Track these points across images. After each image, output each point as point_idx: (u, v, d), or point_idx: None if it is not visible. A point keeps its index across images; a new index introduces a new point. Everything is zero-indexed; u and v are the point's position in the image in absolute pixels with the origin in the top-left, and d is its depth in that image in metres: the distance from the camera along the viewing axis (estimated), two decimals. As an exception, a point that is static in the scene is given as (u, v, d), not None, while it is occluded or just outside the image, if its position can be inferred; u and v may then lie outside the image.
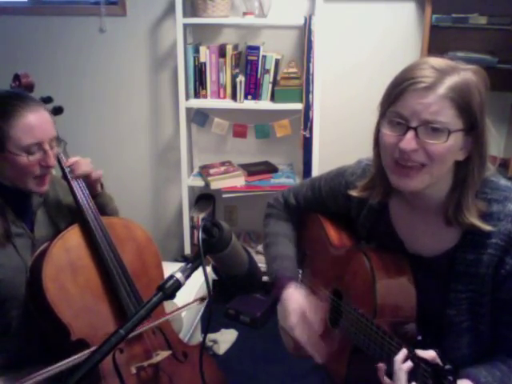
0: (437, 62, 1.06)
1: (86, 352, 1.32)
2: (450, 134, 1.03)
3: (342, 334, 1.28)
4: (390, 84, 1.10)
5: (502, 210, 1.09)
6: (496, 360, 1.11)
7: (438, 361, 0.95)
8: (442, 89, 1.02)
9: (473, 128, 1.05)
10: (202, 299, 1.60)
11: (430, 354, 0.96)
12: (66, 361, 1.29)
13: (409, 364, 0.97)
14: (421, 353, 0.97)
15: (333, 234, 1.42)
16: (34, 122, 1.38)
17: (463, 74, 1.05)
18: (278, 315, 1.47)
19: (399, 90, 1.05)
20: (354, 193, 1.27)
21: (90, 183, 1.62)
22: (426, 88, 1.02)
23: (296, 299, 1.38)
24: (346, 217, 1.39)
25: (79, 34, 2.95)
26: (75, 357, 1.31)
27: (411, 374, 0.97)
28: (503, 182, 1.15)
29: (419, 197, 1.16)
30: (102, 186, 1.68)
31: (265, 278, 1.39)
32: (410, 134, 1.04)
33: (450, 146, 1.04)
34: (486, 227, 1.08)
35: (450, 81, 1.02)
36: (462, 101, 1.02)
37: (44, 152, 1.41)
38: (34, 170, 1.41)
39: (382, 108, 1.11)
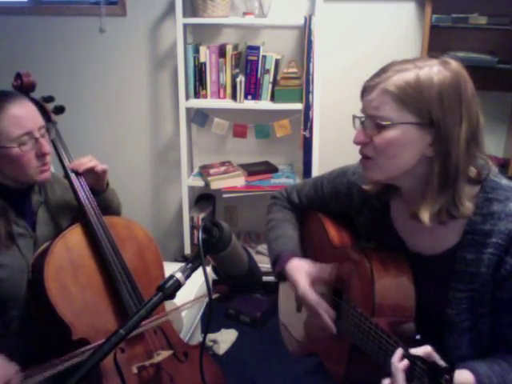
0: (402, 62, 1.09)
1: (85, 349, 1.33)
2: (391, 127, 1.06)
3: (341, 332, 1.28)
4: None
5: (503, 210, 1.09)
6: (496, 357, 1.11)
7: (435, 355, 0.95)
8: (383, 85, 1.07)
9: (432, 123, 1.06)
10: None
11: (424, 350, 0.96)
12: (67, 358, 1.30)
13: (405, 363, 0.97)
14: (414, 350, 0.97)
15: (333, 232, 1.42)
16: (20, 112, 1.39)
17: (425, 70, 1.05)
18: (279, 298, 1.43)
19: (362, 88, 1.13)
20: (366, 187, 1.28)
21: (96, 178, 1.62)
22: (372, 86, 1.09)
23: (302, 267, 1.37)
24: (346, 216, 1.40)
25: (79, 34, 2.95)
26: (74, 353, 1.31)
27: (409, 373, 0.96)
28: (505, 181, 1.15)
29: (404, 191, 1.19)
30: (107, 184, 1.69)
31: (265, 278, 1.39)
32: (360, 128, 1.13)
33: (392, 137, 1.07)
34: None
35: (398, 78, 1.06)
36: (405, 94, 1.05)
37: (36, 141, 1.42)
38: (31, 161, 1.42)
39: None
